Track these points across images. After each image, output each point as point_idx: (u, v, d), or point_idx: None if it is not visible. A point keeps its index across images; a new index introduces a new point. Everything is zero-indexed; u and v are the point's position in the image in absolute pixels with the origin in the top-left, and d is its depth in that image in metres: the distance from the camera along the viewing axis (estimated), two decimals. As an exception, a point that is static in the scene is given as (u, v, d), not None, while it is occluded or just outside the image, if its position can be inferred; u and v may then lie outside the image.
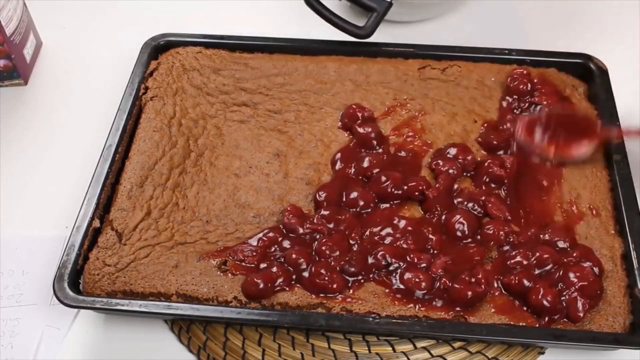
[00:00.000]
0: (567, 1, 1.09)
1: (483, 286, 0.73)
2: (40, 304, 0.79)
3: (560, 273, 0.74)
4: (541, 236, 0.78)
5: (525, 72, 0.91)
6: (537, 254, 0.75)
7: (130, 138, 0.87)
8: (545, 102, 0.88)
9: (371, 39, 0.94)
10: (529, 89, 0.90)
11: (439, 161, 0.84)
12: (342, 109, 0.90)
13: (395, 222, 0.79)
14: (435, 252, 0.77)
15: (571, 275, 0.73)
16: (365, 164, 0.84)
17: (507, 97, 0.90)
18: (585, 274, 0.73)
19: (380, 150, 0.86)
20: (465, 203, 0.80)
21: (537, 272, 0.74)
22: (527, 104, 0.89)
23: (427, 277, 0.74)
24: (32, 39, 1.01)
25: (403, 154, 0.86)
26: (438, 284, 0.74)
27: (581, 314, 0.71)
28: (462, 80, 0.93)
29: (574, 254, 0.76)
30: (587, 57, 0.93)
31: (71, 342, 0.76)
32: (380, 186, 0.81)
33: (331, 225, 0.78)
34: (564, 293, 0.72)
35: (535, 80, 0.90)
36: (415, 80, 0.93)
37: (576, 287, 0.72)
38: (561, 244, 0.77)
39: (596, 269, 0.75)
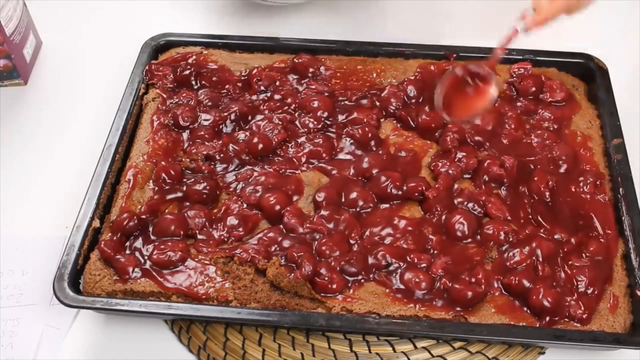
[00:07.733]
0: (568, 1, 1.09)
1: (483, 286, 0.73)
2: (40, 304, 0.79)
3: (561, 269, 0.75)
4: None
5: (525, 72, 0.91)
6: (534, 244, 0.75)
7: (130, 138, 0.87)
8: (550, 99, 0.89)
9: (370, 39, 0.94)
10: (529, 88, 0.90)
11: (439, 161, 0.83)
12: (342, 109, 0.90)
13: (395, 222, 0.79)
14: (435, 252, 0.77)
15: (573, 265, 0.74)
16: (365, 165, 0.83)
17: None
18: (586, 265, 0.74)
19: (380, 152, 0.85)
20: (465, 203, 0.80)
21: (538, 267, 0.74)
22: (524, 103, 0.89)
23: (427, 277, 0.74)
24: (32, 39, 1.01)
25: (403, 154, 0.85)
26: (438, 284, 0.74)
27: (584, 315, 0.72)
28: (462, 80, 0.93)
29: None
30: (588, 57, 0.93)
31: (71, 342, 0.76)
32: (380, 186, 0.81)
33: (331, 225, 0.78)
34: (568, 292, 0.73)
35: (530, 81, 0.90)
36: (415, 80, 0.93)
37: (578, 283, 0.73)
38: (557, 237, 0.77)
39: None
